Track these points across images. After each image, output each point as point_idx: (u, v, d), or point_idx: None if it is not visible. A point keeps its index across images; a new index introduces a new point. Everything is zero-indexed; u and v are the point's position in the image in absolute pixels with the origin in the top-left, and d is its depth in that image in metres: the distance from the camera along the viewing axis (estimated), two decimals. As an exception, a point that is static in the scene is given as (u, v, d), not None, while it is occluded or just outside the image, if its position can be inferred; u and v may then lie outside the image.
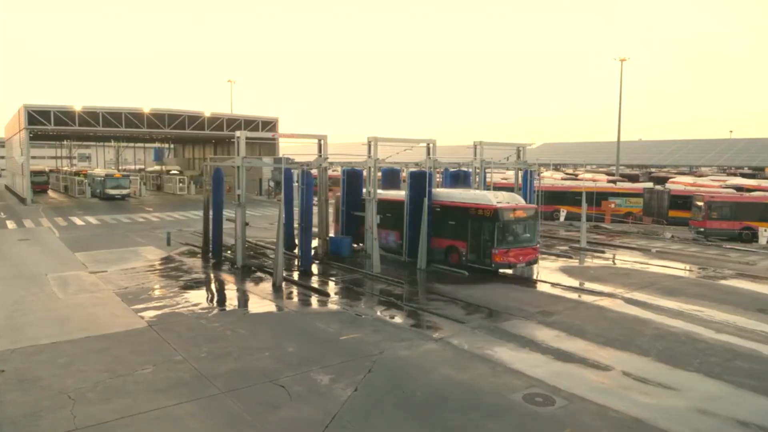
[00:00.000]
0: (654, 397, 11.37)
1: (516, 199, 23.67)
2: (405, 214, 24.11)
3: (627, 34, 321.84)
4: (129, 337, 14.49)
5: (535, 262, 22.99)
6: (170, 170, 75.18)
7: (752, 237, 32.22)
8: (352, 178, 26.55)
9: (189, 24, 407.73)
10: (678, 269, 24.19)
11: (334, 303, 18.24)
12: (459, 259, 22.82)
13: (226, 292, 20.55)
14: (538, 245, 23.30)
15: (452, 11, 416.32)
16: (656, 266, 24.51)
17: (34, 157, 64.67)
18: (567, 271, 23.75)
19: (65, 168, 79.04)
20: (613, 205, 40.32)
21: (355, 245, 26.53)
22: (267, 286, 20.37)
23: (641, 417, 10.47)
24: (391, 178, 28.96)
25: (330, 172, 26.00)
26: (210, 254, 24.87)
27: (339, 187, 27.48)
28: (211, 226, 24.85)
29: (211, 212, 24.85)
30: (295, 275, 21.95)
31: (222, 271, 22.81)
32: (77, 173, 65.82)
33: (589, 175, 51.16)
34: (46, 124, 48.65)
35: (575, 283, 21.58)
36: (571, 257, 26.58)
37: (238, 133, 22.88)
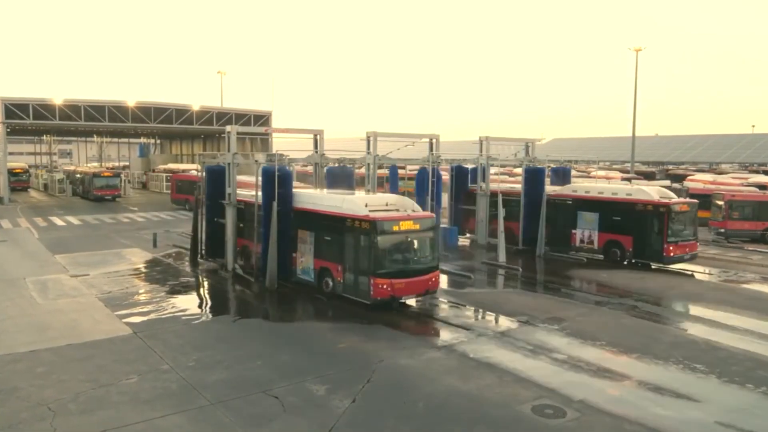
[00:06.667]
0: (672, 409, 11.37)
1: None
2: None
3: (643, 23, 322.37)
4: (113, 345, 14.47)
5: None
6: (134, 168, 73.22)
7: (776, 238, 32.18)
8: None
9: (177, 11, 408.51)
10: (697, 273, 24.16)
11: (331, 308, 18.22)
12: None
13: (216, 296, 20.54)
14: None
15: (458, 1, 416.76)
16: (673, 269, 24.49)
17: (11, 153, 64.67)
18: (578, 274, 23.74)
19: (45, 167, 78.90)
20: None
21: None
22: (259, 290, 20.33)
23: (659, 429, 10.46)
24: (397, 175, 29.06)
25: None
26: (205, 256, 24.57)
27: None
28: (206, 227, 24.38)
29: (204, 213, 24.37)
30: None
31: (212, 275, 22.79)
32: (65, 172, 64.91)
33: (602, 173, 51.01)
34: (24, 118, 48.64)
35: (587, 287, 21.55)
36: (582, 260, 26.56)
37: (228, 128, 22.83)
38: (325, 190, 23.12)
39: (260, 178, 20.43)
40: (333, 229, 18.57)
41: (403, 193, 26.66)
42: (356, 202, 18.28)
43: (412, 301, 18.50)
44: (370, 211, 17.52)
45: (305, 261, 19.81)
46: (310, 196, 20.54)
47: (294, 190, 21.15)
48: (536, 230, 26.82)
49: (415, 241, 18.04)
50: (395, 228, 17.52)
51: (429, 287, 17.95)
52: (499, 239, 25.95)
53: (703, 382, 12.76)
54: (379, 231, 17.05)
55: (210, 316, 18.08)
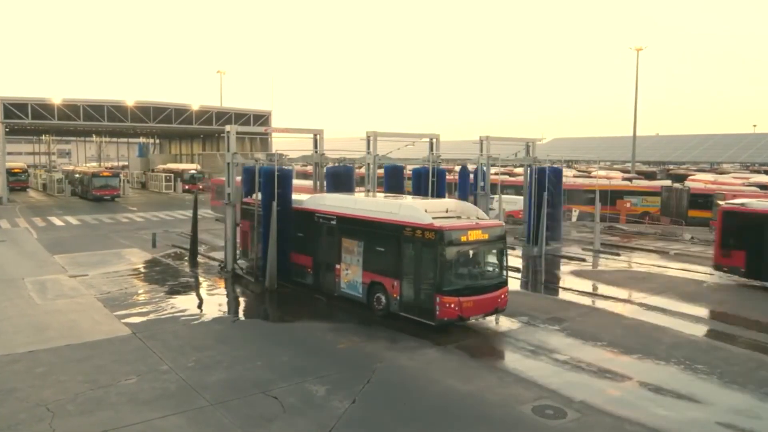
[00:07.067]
0: (673, 410, 11.36)
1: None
2: None
3: (643, 23, 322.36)
4: (112, 346, 14.48)
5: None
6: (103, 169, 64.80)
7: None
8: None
9: (176, 11, 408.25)
10: (698, 273, 24.15)
11: (331, 309, 18.22)
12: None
13: (216, 297, 20.52)
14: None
15: (458, 1, 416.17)
16: (675, 270, 24.50)
17: (10, 153, 64.66)
18: (579, 274, 23.74)
19: (43, 166, 78.82)
20: (628, 205, 40.29)
21: None
22: (259, 291, 20.35)
23: (660, 430, 10.47)
24: (394, 176, 28.86)
25: None
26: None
27: None
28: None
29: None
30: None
31: (211, 275, 22.80)
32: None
33: (603, 173, 51.06)
34: (23, 118, 48.65)
35: (588, 287, 21.55)
36: (583, 260, 26.58)
37: (228, 128, 22.83)
38: (378, 195, 21.64)
39: (261, 179, 20.36)
40: (388, 238, 16.65)
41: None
42: (416, 208, 16.41)
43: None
44: (433, 218, 15.69)
45: (351, 274, 17.92)
46: (357, 201, 18.68)
47: (337, 194, 20.14)
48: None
49: (485, 253, 16.35)
50: (463, 238, 15.56)
51: (498, 305, 16.07)
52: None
53: (704, 382, 12.76)
54: (446, 242, 15.13)
55: (209, 316, 18.05)
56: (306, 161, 24.99)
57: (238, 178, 22.69)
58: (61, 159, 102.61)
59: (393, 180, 25.99)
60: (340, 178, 24.01)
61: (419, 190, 25.25)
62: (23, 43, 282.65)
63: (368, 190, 24.02)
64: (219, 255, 24.68)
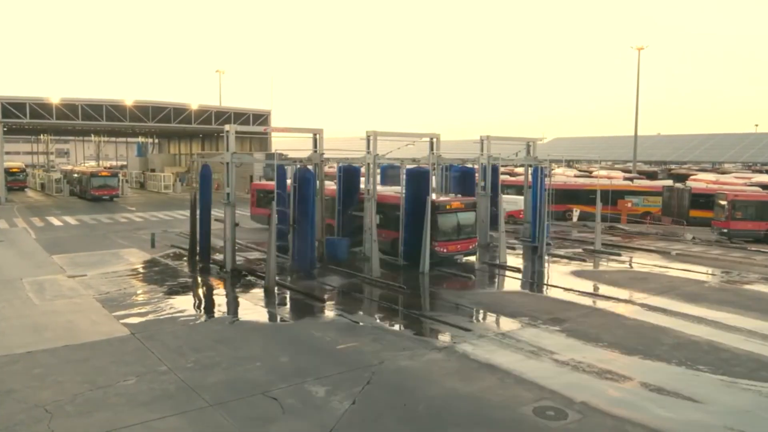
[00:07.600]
0: (675, 411, 11.35)
1: None
2: (401, 214, 23.83)
3: (643, 23, 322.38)
4: (110, 346, 14.47)
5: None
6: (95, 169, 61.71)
7: (779, 238, 32.07)
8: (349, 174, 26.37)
9: (175, 10, 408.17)
10: (700, 273, 24.16)
11: (330, 309, 18.22)
12: None
13: (215, 297, 20.53)
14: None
15: (458, 1, 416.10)
16: (676, 270, 24.48)
17: (8, 153, 64.71)
18: (580, 274, 23.71)
19: (42, 166, 78.76)
20: (629, 205, 40.32)
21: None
22: (258, 291, 20.36)
23: (661, 431, 10.45)
24: (391, 175, 28.94)
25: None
26: (197, 257, 24.77)
27: None
28: (198, 227, 24.70)
29: (198, 212, 24.70)
30: (289, 280, 21.94)
31: (210, 275, 22.80)
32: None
33: (604, 172, 51.09)
34: (21, 118, 48.63)
35: (589, 287, 21.53)
36: (584, 260, 26.57)
37: (227, 127, 22.85)
38: None
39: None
40: None
41: None
42: None
43: (407, 301, 18.43)
44: None
45: None
46: None
47: None
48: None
49: None
50: None
51: None
52: (500, 239, 25.92)
53: (705, 383, 12.74)
54: None
55: (208, 316, 18.06)
56: (306, 162, 25.00)
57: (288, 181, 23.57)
58: (59, 159, 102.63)
59: (389, 179, 26.26)
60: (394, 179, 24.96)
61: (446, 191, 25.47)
62: (22, 43, 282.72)
63: (368, 190, 24.02)
64: (218, 256, 24.67)
